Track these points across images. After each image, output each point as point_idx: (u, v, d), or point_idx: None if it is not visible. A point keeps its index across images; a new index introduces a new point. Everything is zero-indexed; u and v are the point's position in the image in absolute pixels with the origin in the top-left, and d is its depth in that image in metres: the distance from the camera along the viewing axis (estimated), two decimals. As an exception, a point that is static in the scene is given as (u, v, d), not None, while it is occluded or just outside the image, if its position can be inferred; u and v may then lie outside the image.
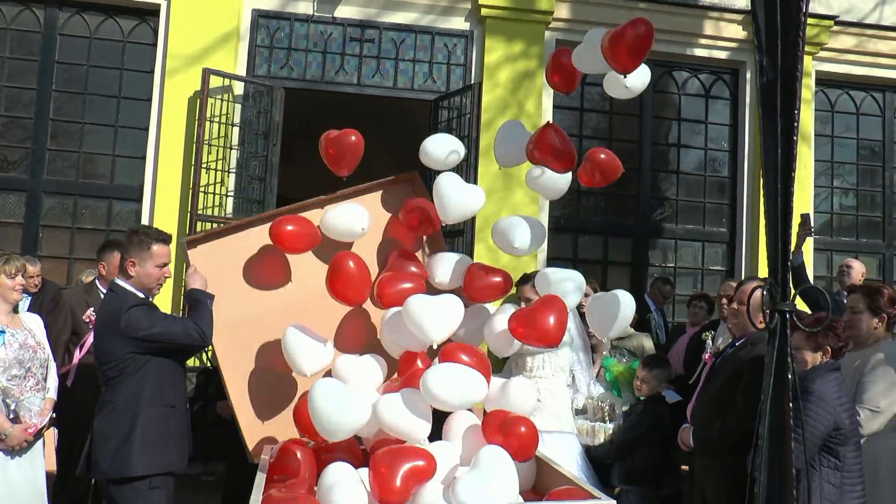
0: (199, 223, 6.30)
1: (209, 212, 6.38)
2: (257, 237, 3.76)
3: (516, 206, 6.74)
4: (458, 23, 7.03)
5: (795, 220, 5.22)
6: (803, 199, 7.29)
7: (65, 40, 6.83)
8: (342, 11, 6.81)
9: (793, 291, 2.46)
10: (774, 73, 2.70)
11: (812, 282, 6.90)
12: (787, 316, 2.32)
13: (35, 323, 3.98)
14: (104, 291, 4.12)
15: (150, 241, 3.41)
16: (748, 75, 7.57)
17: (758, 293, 2.90)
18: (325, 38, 6.84)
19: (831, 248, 7.81)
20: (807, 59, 7.61)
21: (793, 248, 5.13)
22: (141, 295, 3.40)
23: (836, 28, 7.63)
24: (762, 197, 6.73)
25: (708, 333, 4.84)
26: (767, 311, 2.36)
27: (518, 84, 6.89)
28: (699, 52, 7.50)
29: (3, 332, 3.71)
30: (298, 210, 3.87)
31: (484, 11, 6.93)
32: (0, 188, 6.73)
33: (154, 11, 6.80)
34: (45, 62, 6.76)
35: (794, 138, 2.54)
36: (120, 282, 3.41)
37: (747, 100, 7.53)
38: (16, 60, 6.77)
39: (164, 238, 3.48)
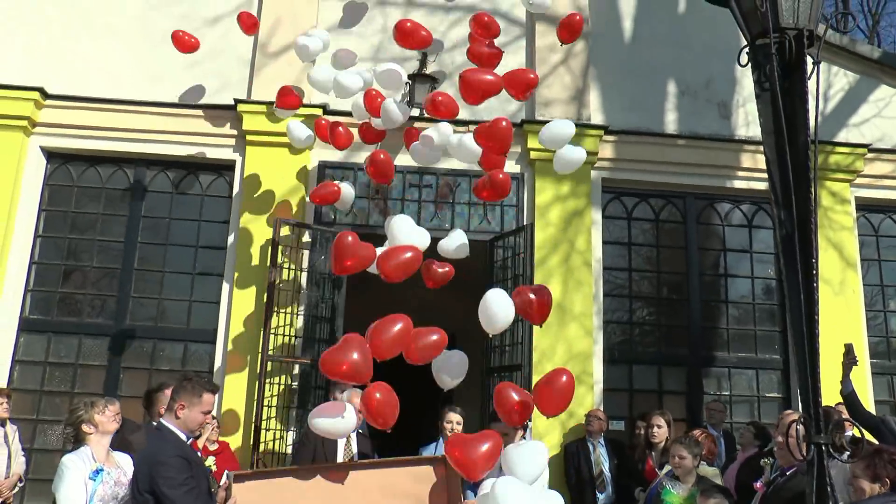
0: (269, 363, 6.81)
1: (279, 352, 6.90)
2: (303, 484, 4.06)
3: (571, 340, 7.17)
4: (510, 166, 7.64)
5: (838, 351, 5.56)
6: (854, 325, 7.59)
7: (150, 196, 7.65)
8: (401, 160, 7.53)
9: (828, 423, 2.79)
10: (791, 225, 3.16)
11: (872, 408, 7.12)
12: (823, 448, 2.65)
13: (126, 462, 4.44)
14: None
15: (201, 389, 3.88)
16: (789, 205, 8.02)
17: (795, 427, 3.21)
18: (386, 186, 7.53)
19: (890, 371, 7.99)
20: (844, 187, 8.09)
21: (841, 378, 5.45)
22: (184, 437, 3.85)
23: (870, 155, 8.12)
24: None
25: (767, 461, 5.07)
26: (804, 444, 2.69)
27: (568, 222, 7.46)
28: (739, 184, 8.01)
29: (101, 470, 4.17)
30: (343, 469, 4.29)
31: (533, 154, 7.61)
32: (87, 333, 7.39)
33: (230, 167, 7.61)
34: (133, 216, 7.57)
35: (815, 284, 2.96)
36: (166, 422, 3.85)
37: (789, 228, 7.95)
38: (108, 216, 7.57)
39: (213, 388, 3.98)
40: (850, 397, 5.54)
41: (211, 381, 4.04)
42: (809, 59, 3.27)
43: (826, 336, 7.32)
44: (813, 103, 3.30)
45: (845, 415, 5.16)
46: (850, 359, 5.51)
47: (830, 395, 6.23)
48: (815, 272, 3.02)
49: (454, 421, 5.90)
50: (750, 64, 3.44)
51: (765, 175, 7.95)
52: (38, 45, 7.66)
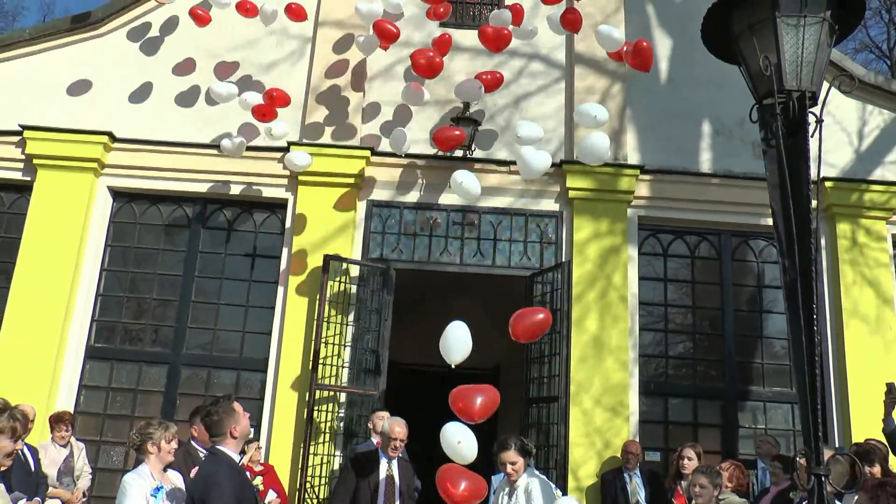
0: (317, 392, 7.33)
1: (327, 381, 7.42)
2: None
3: (607, 372, 7.56)
4: (549, 205, 8.18)
5: (877, 388, 5.85)
6: (891, 363, 7.81)
7: (207, 232, 8.30)
8: (445, 199, 8.07)
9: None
10: (794, 272, 3.56)
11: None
12: (822, 479, 3.03)
13: (178, 479, 4.96)
14: (201, 450, 5.31)
15: (229, 403, 4.30)
16: (822, 241, 8.33)
17: (800, 459, 3.57)
18: (431, 222, 8.06)
19: (930, 408, 8.17)
20: (880, 224, 8.36)
21: (883, 416, 5.75)
22: (237, 458, 4.34)
23: (907, 193, 8.40)
24: (847, 361, 7.42)
25: (794, 493, 5.38)
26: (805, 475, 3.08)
27: (605, 259, 7.89)
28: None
29: (161, 488, 4.69)
30: None
31: (571, 194, 8.08)
32: (146, 360, 8.02)
33: (282, 205, 8.23)
34: (191, 251, 8.22)
35: (815, 328, 3.35)
36: (221, 447, 4.28)
37: (824, 264, 8.25)
38: (167, 251, 8.24)
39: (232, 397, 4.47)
40: (892, 435, 5.80)
41: (228, 395, 4.54)
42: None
43: (864, 373, 7.70)
44: (816, 153, 3.71)
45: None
46: (891, 397, 5.77)
47: (870, 430, 6.55)
48: (815, 316, 3.41)
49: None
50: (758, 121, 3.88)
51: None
52: (108, 93, 8.43)
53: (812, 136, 3.75)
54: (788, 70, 3.73)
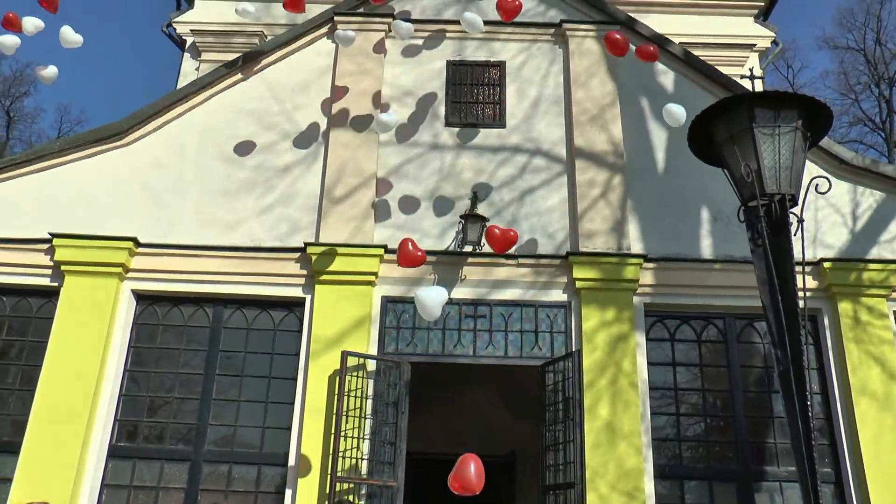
0: (337, 484, 7.56)
1: (347, 474, 7.65)
2: None
3: (621, 458, 7.79)
4: (557, 295, 8.56)
5: (890, 466, 6.03)
6: (901, 441, 8.01)
7: (227, 332, 8.68)
8: (457, 293, 8.48)
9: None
10: (787, 362, 3.91)
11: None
12: None
13: None
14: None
15: None
16: (825, 321, 8.63)
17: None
18: (444, 316, 8.44)
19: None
20: (880, 301, 8.68)
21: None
22: None
23: (904, 270, 8.75)
24: (860, 439, 7.67)
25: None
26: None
27: (614, 346, 8.21)
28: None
29: None
30: None
31: (578, 284, 8.47)
32: (168, 458, 8.27)
33: (300, 303, 8.63)
34: (211, 351, 8.58)
35: (809, 414, 3.67)
36: None
37: (829, 344, 8.54)
38: (189, 351, 8.60)
39: None
40: None
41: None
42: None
43: (875, 450, 7.88)
44: (802, 248, 4.11)
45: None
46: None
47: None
48: (808, 403, 3.75)
49: None
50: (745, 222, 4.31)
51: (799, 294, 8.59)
52: (133, 200, 8.96)
53: (795, 235, 4.17)
54: (768, 175, 4.18)
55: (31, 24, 8.88)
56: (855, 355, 8.41)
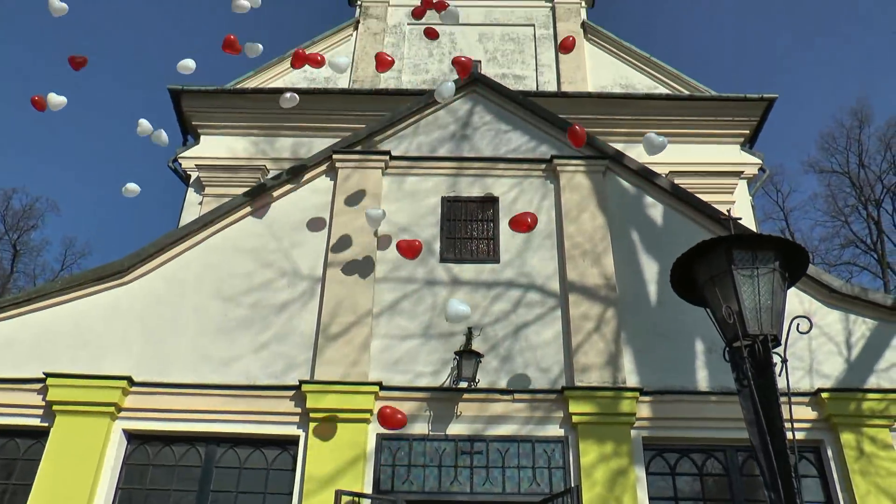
0: None
1: None
2: None
3: None
4: (554, 430, 8.52)
5: None
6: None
7: (219, 471, 8.56)
8: (453, 429, 8.42)
9: None
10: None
11: None
12: None
13: None
14: None
15: None
16: (829, 452, 8.52)
17: None
18: (440, 453, 8.35)
19: None
20: (883, 432, 8.60)
21: None
22: None
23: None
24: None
25: None
26: None
27: (613, 481, 8.09)
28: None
29: None
30: None
31: (575, 419, 8.44)
32: None
33: (294, 441, 8.57)
34: (202, 491, 8.44)
35: None
36: None
37: (835, 476, 8.39)
38: (179, 491, 8.46)
39: None
40: None
41: None
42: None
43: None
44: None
45: None
46: None
47: None
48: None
49: None
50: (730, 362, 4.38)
51: (802, 425, 8.56)
52: (129, 338, 9.05)
53: (780, 375, 4.24)
54: (749, 316, 4.29)
55: (56, 101, 9.70)
56: (862, 488, 8.27)
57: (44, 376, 8.68)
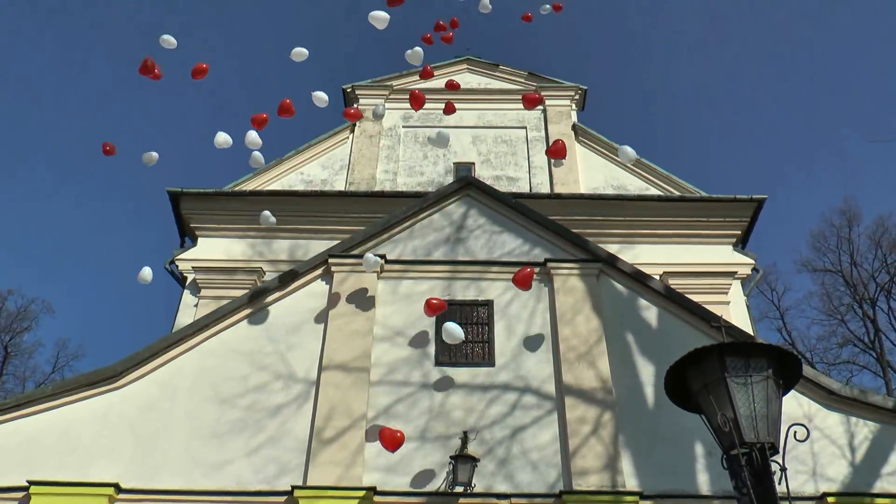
0: None
1: None
2: None
3: None
4: (552, 538, 8.31)
5: None
6: None
7: (208, 585, 8.29)
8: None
9: None
10: None
11: None
12: None
13: None
14: None
15: None
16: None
17: None
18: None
19: None
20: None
21: None
22: None
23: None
24: None
25: None
26: None
27: None
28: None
29: None
30: None
31: (574, 526, 8.25)
32: None
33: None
34: None
35: None
36: None
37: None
38: None
39: None
40: None
41: None
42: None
43: None
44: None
45: None
46: None
47: None
48: None
49: None
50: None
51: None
52: (119, 443, 8.92)
53: (780, 483, 4.22)
54: (745, 424, 4.30)
55: (150, 157, 10.56)
56: None
57: (27, 484, 8.51)
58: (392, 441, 8.26)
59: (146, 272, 10.42)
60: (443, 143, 10.32)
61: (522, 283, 9.54)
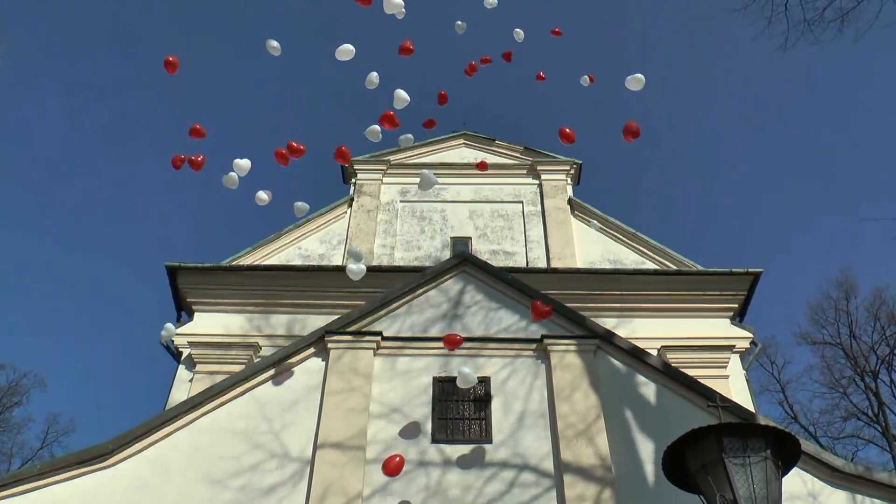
0: None
1: None
2: None
3: None
4: None
5: None
6: None
7: None
8: None
9: None
10: None
11: None
12: None
13: None
14: None
15: None
16: None
17: None
18: None
19: None
20: None
21: None
22: None
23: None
24: None
25: None
26: None
27: None
28: None
29: None
30: None
31: None
32: None
33: None
34: None
35: None
36: None
37: None
38: None
39: None
40: None
41: None
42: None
43: None
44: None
45: None
46: None
47: None
48: None
49: None
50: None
51: None
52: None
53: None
54: (742, 495, 4.27)
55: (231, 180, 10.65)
56: None
57: (16, 570, 8.34)
58: None
59: (263, 195, 10.71)
60: (428, 185, 10.31)
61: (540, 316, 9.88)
